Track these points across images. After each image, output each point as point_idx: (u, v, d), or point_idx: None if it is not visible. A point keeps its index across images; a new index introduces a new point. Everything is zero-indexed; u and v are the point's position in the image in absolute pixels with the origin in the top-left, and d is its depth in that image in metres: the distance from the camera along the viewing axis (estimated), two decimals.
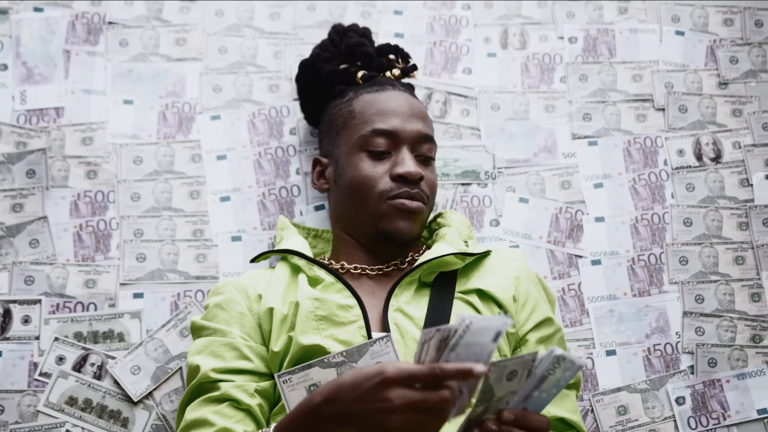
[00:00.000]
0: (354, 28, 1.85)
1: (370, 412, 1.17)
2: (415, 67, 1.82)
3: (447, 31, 2.03)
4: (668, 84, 2.00)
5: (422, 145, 1.67)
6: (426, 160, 1.68)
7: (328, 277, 1.57)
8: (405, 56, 1.84)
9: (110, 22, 1.96)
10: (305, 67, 1.83)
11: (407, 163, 1.62)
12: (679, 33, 2.04)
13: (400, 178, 1.62)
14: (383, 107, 1.67)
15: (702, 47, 2.03)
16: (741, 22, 2.05)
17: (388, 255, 1.67)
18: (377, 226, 1.62)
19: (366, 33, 1.86)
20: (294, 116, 1.93)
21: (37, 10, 1.95)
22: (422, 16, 2.03)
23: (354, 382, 1.20)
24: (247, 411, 1.47)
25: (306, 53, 1.89)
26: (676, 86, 1.99)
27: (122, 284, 1.80)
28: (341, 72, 1.79)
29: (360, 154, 1.65)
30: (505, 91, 1.99)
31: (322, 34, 1.90)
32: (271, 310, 1.54)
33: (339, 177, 1.68)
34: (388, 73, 1.80)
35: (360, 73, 1.77)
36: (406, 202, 1.61)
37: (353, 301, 1.52)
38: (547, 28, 2.04)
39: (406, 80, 1.83)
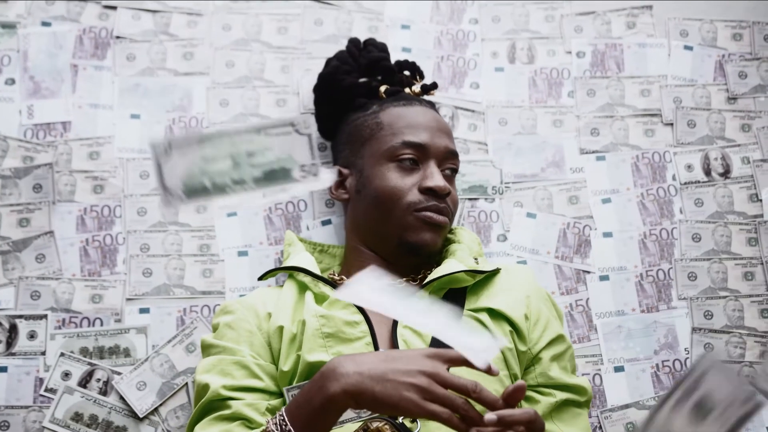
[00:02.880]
0: (372, 42, 1.86)
1: (393, 371, 1.23)
2: (435, 86, 1.83)
3: (454, 45, 2.02)
4: (677, 99, 1.99)
5: (448, 161, 1.69)
6: (450, 176, 1.69)
7: (333, 293, 1.56)
8: (421, 73, 1.86)
9: (117, 37, 1.96)
10: (325, 79, 1.83)
11: (436, 177, 1.63)
12: (688, 48, 2.03)
13: (429, 191, 1.62)
14: (412, 121, 1.68)
15: (711, 62, 2.02)
16: (750, 37, 2.04)
17: (404, 268, 1.66)
18: (401, 237, 1.62)
19: (384, 48, 1.86)
20: None
21: (45, 24, 1.95)
22: (429, 30, 2.03)
23: (381, 353, 1.31)
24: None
25: (313, 68, 1.89)
26: (684, 101, 1.99)
27: (128, 299, 1.79)
28: (362, 85, 1.80)
29: (388, 164, 1.65)
30: (512, 106, 1.98)
31: (330, 49, 1.89)
32: (281, 329, 1.53)
33: (363, 187, 1.68)
34: (407, 90, 1.80)
35: (383, 88, 1.78)
36: (434, 215, 1.62)
37: (360, 317, 1.51)
38: (555, 43, 2.03)
39: (425, 97, 1.83)
